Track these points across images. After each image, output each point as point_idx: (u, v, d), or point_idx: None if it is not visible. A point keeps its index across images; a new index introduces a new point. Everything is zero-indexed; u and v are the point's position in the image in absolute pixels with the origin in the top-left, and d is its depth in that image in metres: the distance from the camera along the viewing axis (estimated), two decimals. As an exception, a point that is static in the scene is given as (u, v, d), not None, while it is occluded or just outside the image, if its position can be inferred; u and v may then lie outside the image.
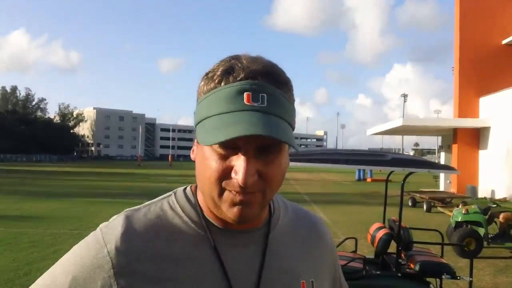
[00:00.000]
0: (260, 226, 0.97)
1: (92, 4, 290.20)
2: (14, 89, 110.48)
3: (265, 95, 0.81)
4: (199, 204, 0.95)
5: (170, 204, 0.96)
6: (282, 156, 0.85)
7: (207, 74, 0.88)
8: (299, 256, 1.01)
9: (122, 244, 0.87)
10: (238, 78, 0.82)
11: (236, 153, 0.81)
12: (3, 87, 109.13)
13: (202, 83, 0.87)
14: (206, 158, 0.84)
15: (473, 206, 10.33)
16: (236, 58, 0.87)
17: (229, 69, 0.84)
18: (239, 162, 0.80)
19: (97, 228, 0.93)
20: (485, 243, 9.21)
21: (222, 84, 0.83)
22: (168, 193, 1.00)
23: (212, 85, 0.84)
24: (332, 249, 1.12)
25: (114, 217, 0.94)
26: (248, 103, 0.80)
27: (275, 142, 0.81)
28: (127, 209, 0.95)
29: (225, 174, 0.82)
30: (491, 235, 9.51)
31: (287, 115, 0.85)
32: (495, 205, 10.60)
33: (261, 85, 0.82)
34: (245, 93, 0.81)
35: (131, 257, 0.87)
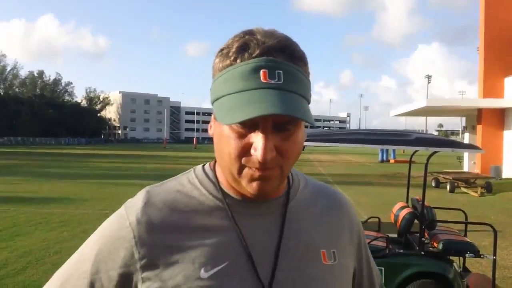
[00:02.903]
0: (277, 196, 0.98)
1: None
2: (41, 73, 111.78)
3: (281, 71, 0.82)
4: (217, 178, 0.98)
5: (189, 179, 1.00)
6: (298, 132, 0.87)
7: (221, 50, 0.88)
8: (319, 227, 1.02)
9: (143, 216, 0.92)
10: (254, 55, 0.83)
11: (254, 131, 0.83)
12: (31, 72, 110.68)
13: (217, 60, 0.88)
14: (225, 136, 0.86)
15: None
16: (250, 33, 0.87)
17: (244, 46, 0.84)
18: (258, 139, 0.82)
19: (123, 205, 0.98)
20: None
21: (238, 61, 0.84)
22: (187, 170, 1.04)
23: (228, 62, 0.85)
24: (354, 220, 1.11)
25: (138, 192, 0.99)
26: (264, 81, 0.81)
27: (292, 119, 0.82)
28: (148, 185, 1.00)
29: (245, 151, 0.84)
30: None
31: (303, 90, 0.85)
32: None
33: (277, 62, 0.82)
34: (261, 71, 0.81)
35: (152, 228, 0.91)
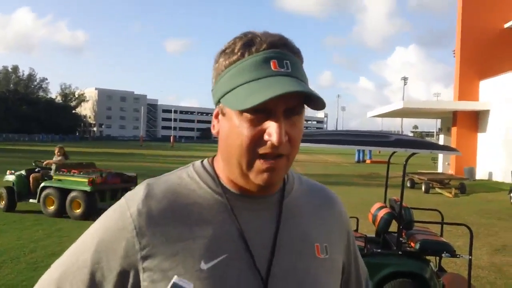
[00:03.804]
0: (274, 193, 1.02)
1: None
2: (15, 68, 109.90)
3: (288, 62, 0.89)
4: (216, 173, 1.01)
5: (188, 173, 1.02)
6: (302, 119, 0.93)
7: (223, 51, 0.93)
8: (313, 222, 1.06)
9: (144, 207, 0.94)
10: (261, 49, 0.89)
11: (266, 118, 0.87)
12: (5, 67, 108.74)
13: (222, 59, 0.92)
14: (235, 127, 0.89)
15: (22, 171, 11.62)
16: (251, 33, 0.92)
17: (249, 42, 0.90)
18: (272, 124, 0.86)
19: (122, 197, 1.00)
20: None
21: (246, 55, 0.89)
22: (186, 165, 1.06)
23: (235, 57, 0.90)
24: (345, 219, 1.17)
25: (138, 185, 1.01)
26: (275, 69, 0.87)
27: (300, 104, 0.89)
28: (148, 179, 1.02)
29: (257, 138, 0.87)
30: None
31: (306, 80, 0.92)
32: (39, 169, 11.67)
33: (284, 53, 0.89)
34: (271, 61, 0.88)
35: (152, 219, 0.93)
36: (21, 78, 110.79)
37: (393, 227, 5.36)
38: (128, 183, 11.39)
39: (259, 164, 0.89)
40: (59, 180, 10.62)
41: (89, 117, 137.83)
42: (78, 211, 10.19)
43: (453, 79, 27.24)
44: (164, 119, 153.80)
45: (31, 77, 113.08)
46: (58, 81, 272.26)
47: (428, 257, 5.05)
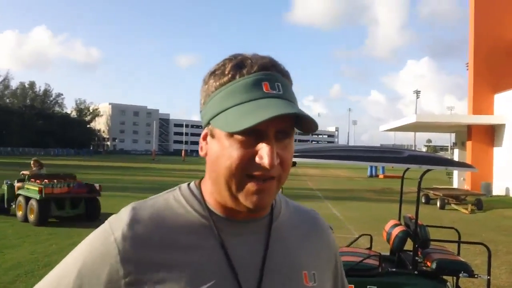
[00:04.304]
0: (261, 217, 1.00)
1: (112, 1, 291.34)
2: (32, 84, 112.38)
3: (279, 84, 0.88)
4: (203, 196, 0.99)
5: (175, 197, 1.00)
6: (293, 141, 0.92)
7: (213, 72, 0.92)
8: (301, 248, 1.04)
9: (128, 232, 0.91)
10: (252, 71, 0.88)
11: (257, 140, 0.85)
12: (22, 83, 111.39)
13: (211, 81, 0.91)
14: (226, 149, 0.87)
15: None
16: (241, 55, 0.92)
17: (240, 64, 0.89)
18: (264, 146, 0.84)
19: (106, 220, 0.97)
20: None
21: (237, 77, 0.88)
22: (173, 188, 1.04)
23: (225, 79, 0.89)
24: (332, 244, 1.15)
25: (123, 209, 0.98)
26: (267, 91, 0.86)
27: (291, 126, 0.88)
28: (134, 202, 0.99)
29: (247, 159, 0.86)
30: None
31: (297, 102, 0.91)
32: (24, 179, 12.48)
33: (275, 75, 0.89)
34: (262, 83, 0.87)
35: (137, 244, 0.90)
36: (37, 94, 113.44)
37: (408, 245, 5.26)
38: (94, 193, 12.35)
39: (249, 186, 0.87)
40: (27, 188, 11.71)
41: (103, 132, 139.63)
42: (32, 217, 11.19)
43: (466, 91, 27.03)
44: (176, 133, 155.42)
45: (47, 92, 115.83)
46: (73, 96, 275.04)
47: (445, 277, 4.93)
